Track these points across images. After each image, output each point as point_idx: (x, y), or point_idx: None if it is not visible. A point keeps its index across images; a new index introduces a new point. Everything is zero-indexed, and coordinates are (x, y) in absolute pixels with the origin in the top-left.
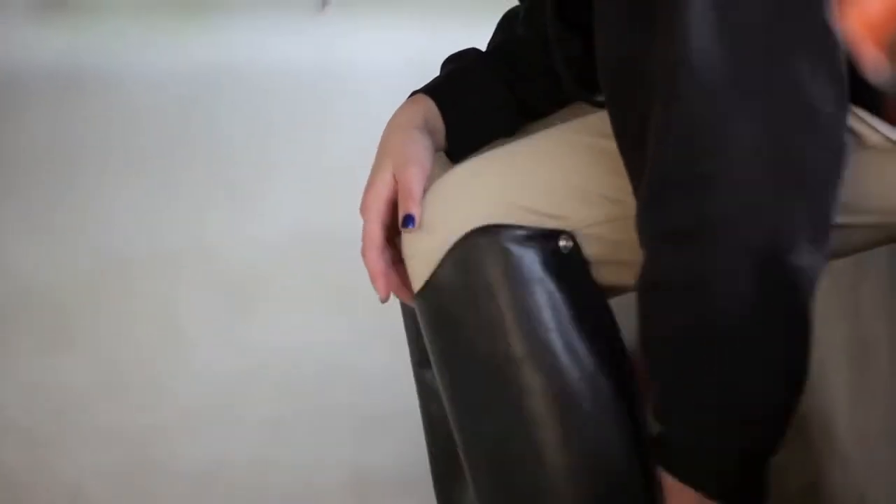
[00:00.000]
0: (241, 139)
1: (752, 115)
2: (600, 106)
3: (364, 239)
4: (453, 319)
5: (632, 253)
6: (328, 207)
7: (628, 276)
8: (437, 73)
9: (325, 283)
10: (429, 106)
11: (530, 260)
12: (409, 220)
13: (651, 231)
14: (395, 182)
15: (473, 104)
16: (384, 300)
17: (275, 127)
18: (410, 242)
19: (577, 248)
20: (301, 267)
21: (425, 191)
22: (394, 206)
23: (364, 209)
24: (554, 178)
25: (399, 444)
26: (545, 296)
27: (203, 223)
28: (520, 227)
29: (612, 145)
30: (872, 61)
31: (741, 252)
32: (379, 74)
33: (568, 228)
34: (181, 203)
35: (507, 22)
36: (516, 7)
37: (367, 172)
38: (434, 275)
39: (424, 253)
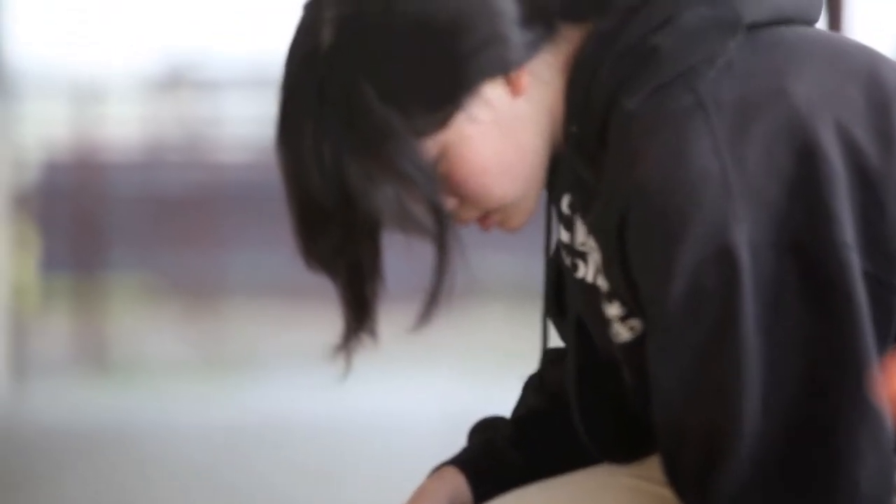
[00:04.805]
0: (270, 495)
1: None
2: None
3: None
4: None
5: None
6: None
7: None
8: (464, 429)
9: None
10: (457, 482)
11: None
12: None
13: None
14: None
15: (504, 483)
16: None
17: (301, 481)
18: None
19: None
20: None
21: None
22: None
23: None
24: None
25: None
26: None
27: None
28: None
29: (647, 485)
30: None
31: None
32: (406, 428)
33: None
34: None
35: (538, 380)
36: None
37: None
38: None
39: None
